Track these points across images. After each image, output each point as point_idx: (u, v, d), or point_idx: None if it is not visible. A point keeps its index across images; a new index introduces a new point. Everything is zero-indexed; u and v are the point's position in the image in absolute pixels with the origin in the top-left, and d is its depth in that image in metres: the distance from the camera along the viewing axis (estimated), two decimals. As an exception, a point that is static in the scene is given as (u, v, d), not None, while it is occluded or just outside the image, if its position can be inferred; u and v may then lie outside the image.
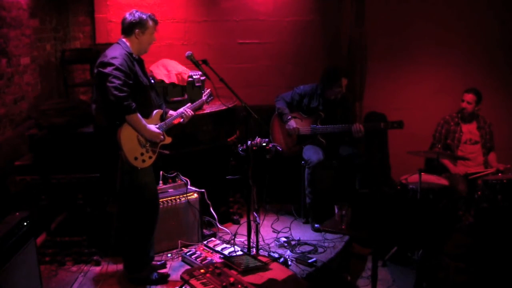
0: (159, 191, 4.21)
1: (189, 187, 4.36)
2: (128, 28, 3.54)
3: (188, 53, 3.71)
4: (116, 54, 3.43)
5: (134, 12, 3.55)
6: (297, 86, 4.97)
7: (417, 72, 5.77)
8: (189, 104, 3.92)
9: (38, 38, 4.99)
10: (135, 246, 3.68)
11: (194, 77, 4.56)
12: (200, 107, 4.21)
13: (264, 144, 3.93)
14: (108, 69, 3.35)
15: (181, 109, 3.85)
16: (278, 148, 4.03)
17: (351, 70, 5.69)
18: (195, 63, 3.70)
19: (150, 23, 3.57)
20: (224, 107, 4.47)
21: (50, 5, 5.32)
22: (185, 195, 4.31)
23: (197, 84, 4.58)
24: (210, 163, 4.64)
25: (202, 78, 4.55)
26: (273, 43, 5.74)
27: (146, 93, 3.62)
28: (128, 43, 3.55)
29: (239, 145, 4.19)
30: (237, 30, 5.69)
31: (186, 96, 4.49)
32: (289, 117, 4.85)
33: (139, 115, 3.46)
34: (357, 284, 4.10)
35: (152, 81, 4.30)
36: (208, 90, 4.19)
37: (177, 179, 4.39)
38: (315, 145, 4.80)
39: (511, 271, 3.55)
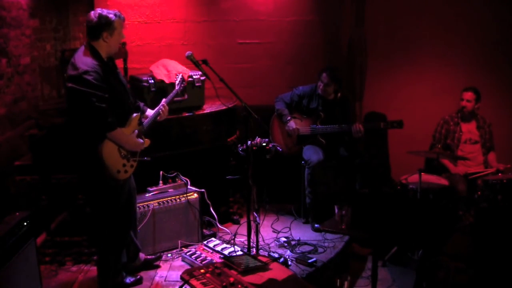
0: (158, 191, 4.25)
1: (189, 187, 4.36)
2: (95, 32, 3.26)
3: (188, 53, 3.70)
4: (87, 67, 3.17)
5: (98, 12, 3.25)
6: (296, 87, 4.97)
7: (417, 72, 5.76)
8: (164, 99, 3.81)
9: (38, 38, 4.99)
10: (107, 252, 3.55)
11: (194, 77, 4.56)
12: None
13: (264, 144, 3.93)
14: (82, 87, 3.14)
15: (157, 108, 3.72)
16: (278, 148, 4.03)
17: (351, 70, 5.69)
18: (195, 63, 3.70)
19: (118, 22, 3.29)
20: (224, 107, 4.47)
21: (50, 5, 5.32)
22: (185, 195, 4.31)
23: (197, 84, 4.58)
24: (210, 163, 4.64)
25: (202, 78, 4.54)
26: (273, 43, 5.73)
27: (122, 101, 3.42)
28: (96, 47, 3.28)
29: (239, 145, 4.19)
30: (237, 30, 5.68)
31: (186, 96, 4.49)
32: (289, 117, 4.84)
33: (119, 129, 3.32)
34: (357, 284, 4.09)
35: (153, 80, 4.28)
36: (180, 77, 4.00)
37: (177, 179, 4.40)
38: (315, 145, 4.80)
39: (511, 271, 3.54)
